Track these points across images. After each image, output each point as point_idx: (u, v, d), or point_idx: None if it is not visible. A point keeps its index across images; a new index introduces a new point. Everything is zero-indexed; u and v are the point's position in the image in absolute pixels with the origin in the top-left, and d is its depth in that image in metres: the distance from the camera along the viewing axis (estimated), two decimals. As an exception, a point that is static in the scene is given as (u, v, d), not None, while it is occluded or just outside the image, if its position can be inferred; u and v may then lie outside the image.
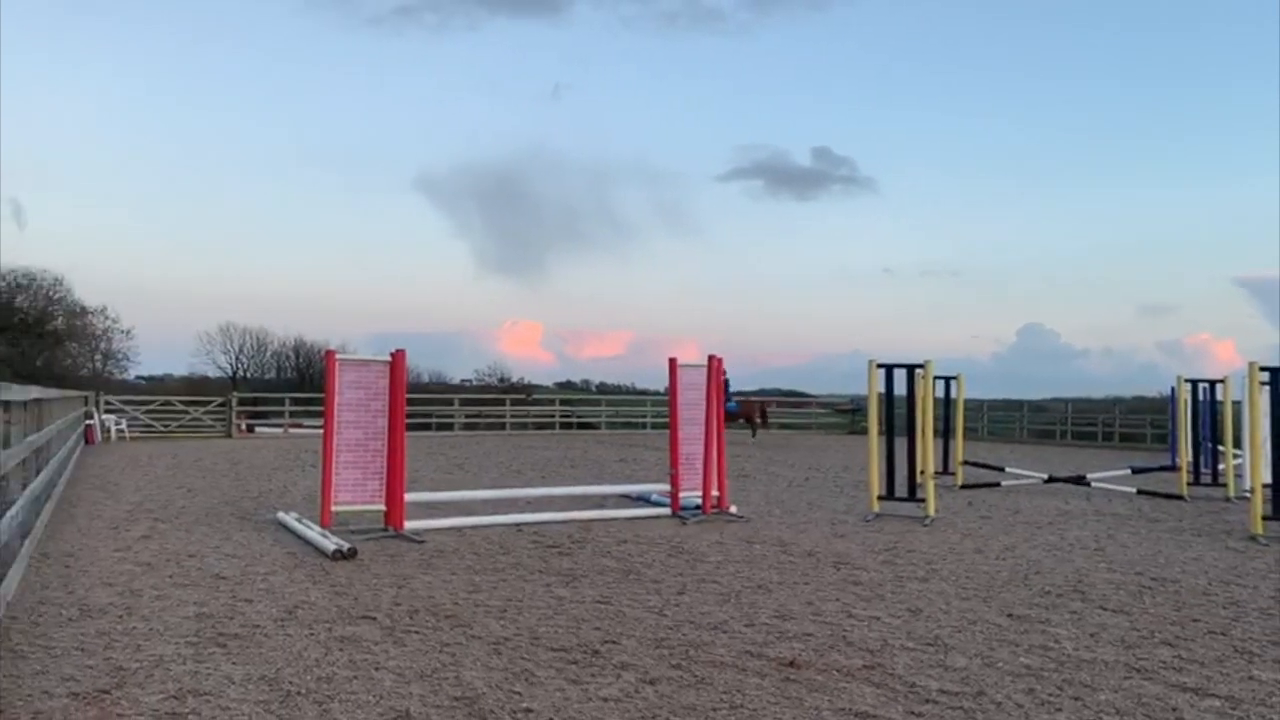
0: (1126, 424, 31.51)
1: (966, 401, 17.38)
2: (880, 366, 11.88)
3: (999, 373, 71.77)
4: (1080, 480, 15.20)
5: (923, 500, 11.41)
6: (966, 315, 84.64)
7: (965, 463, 15.71)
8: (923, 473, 11.61)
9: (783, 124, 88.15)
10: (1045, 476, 15.48)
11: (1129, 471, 16.60)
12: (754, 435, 28.93)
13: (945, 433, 16.37)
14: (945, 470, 15.67)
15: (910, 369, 11.81)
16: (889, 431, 12.37)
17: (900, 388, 11.88)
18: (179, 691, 4.64)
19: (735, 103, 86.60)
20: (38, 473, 9.40)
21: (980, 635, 5.95)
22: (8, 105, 73.37)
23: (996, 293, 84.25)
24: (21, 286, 49.10)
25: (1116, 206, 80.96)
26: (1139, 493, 14.23)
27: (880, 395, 12.01)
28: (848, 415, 37.27)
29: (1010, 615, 6.50)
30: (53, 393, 12.60)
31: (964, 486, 14.96)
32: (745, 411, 28.96)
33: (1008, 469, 16.29)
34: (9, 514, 6.49)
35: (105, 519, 10.58)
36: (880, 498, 11.68)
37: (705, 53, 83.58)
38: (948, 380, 16.01)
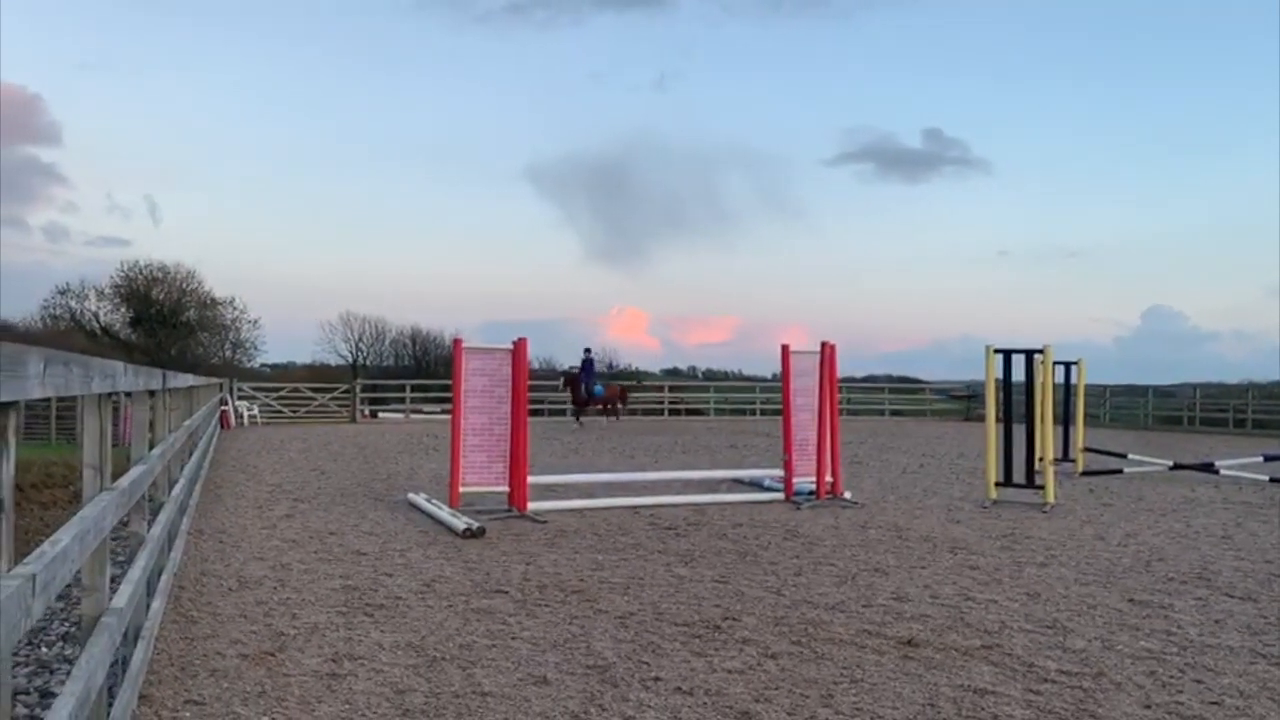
0: (1261, 410, 30.18)
1: (1087, 387, 16.99)
2: (998, 352, 11.78)
3: (1121, 357, 69.17)
4: (1208, 468, 14.73)
5: (1042, 487, 11.29)
6: (1086, 298, 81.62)
7: (1086, 449, 15.39)
8: (1042, 459, 11.48)
9: (891, 107, 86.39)
10: (1170, 464, 15.06)
11: (1262, 459, 15.98)
12: (607, 420, 28.65)
13: (1065, 419, 16.05)
14: (1065, 457, 15.38)
15: (1029, 354, 11.68)
16: (1007, 418, 12.23)
17: (1019, 373, 11.77)
18: (335, 655, 5.05)
19: (842, 87, 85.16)
20: (189, 455, 10.09)
21: (1100, 619, 5.97)
22: (142, 108, 77.21)
23: (1117, 274, 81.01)
24: (157, 280, 51.87)
25: (1246, 183, 76.99)
26: (1272, 480, 13.73)
27: (998, 381, 11.90)
28: (963, 401, 36.61)
29: (1131, 600, 6.49)
30: (199, 380, 13.43)
31: (1085, 473, 14.67)
32: (610, 395, 28.48)
33: (1131, 456, 15.89)
34: (174, 492, 7.06)
35: (249, 499, 11.28)
36: (998, 484, 11.60)
37: (809, 37, 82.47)
38: (1068, 365, 15.70)
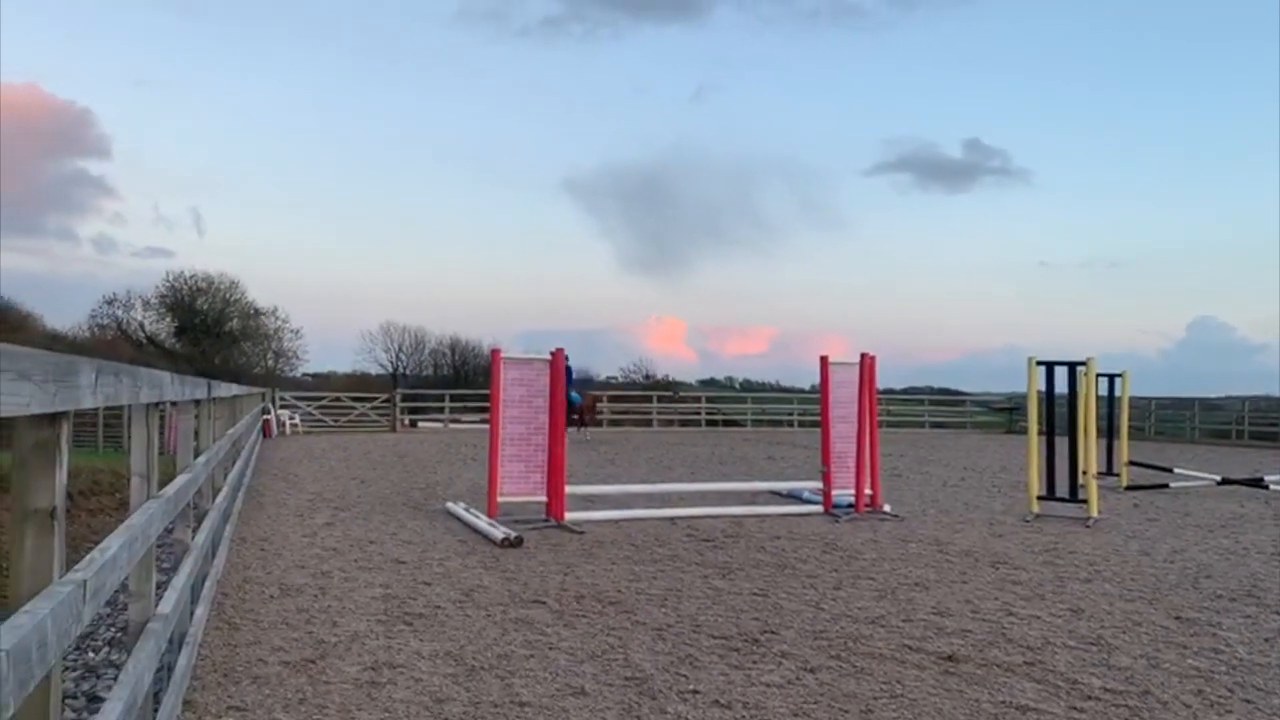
0: (1312, 424, 29.52)
1: (1132, 399, 16.72)
2: (1040, 364, 11.65)
3: (1167, 369, 68.04)
4: (1258, 483, 14.46)
5: (1085, 501, 11.13)
6: (1129, 309, 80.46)
7: (1131, 463, 15.16)
8: (1085, 473, 11.32)
9: (931, 117, 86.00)
10: (1218, 478, 14.79)
11: (1313, 474, 15.66)
12: (578, 431, 25.74)
13: (1109, 432, 15.81)
14: (1109, 471, 15.15)
15: (1072, 366, 11.54)
16: (1049, 431, 12.07)
17: (1061, 385, 11.62)
18: (375, 663, 5.08)
19: (880, 97, 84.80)
20: (233, 463, 10.22)
21: (1146, 636, 5.87)
22: (188, 122, 78.53)
23: (1162, 285, 79.76)
24: (201, 290, 52.67)
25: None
26: (1323, 497, 13.44)
27: (1040, 393, 11.76)
28: (1005, 414, 36.16)
29: (1178, 618, 6.37)
30: (243, 389, 13.60)
31: (1129, 488, 14.45)
32: (586, 404, 26.93)
33: (1177, 470, 15.62)
34: (217, 500, 7.16)
35: (290, 507, 11.39)
36: (1040, 498, 11.44)
37: (847, 49, 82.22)
38: (1112, 378, 15.48)
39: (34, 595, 1.87)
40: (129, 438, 3.60)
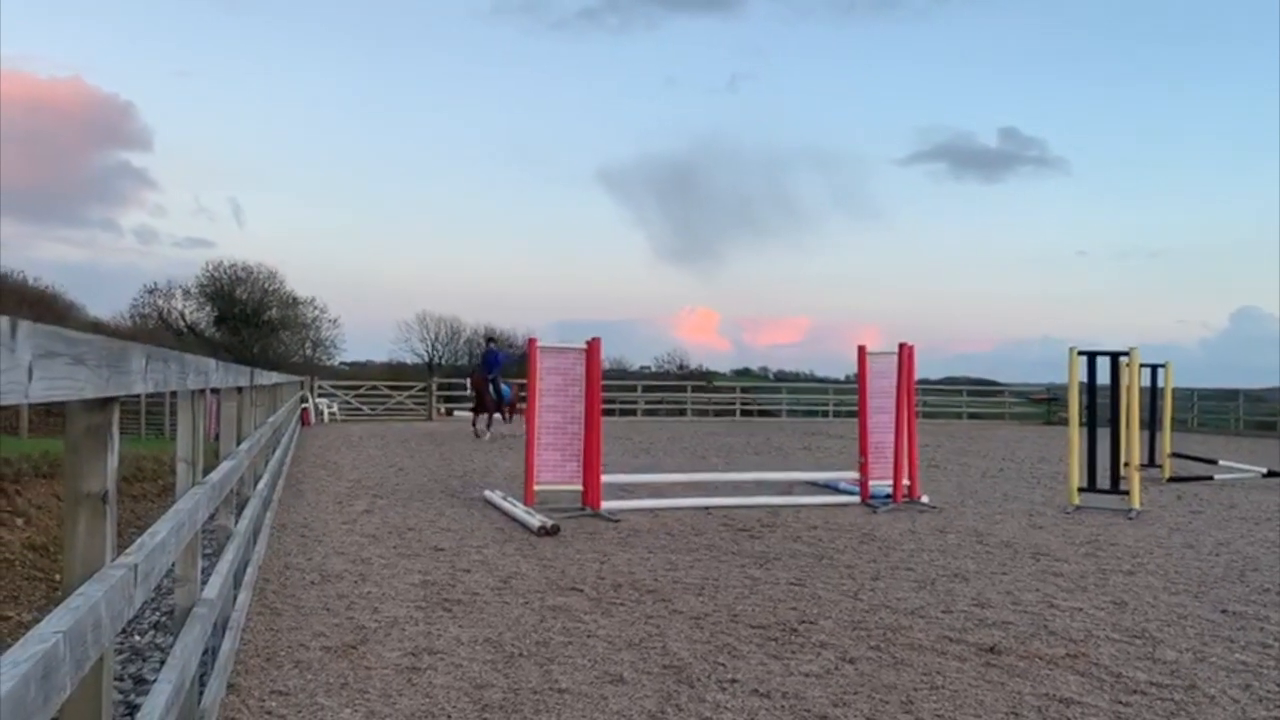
0: (1359, 416, 28.93)
1: (1174, 391, 16.47)
2: (1082, 354, 11.49)
3: (1208, 360, 66.86)
4: (1304, 475, 14.19)
5: (1126, 493, 10.98)
6: (1169, 299, 79.14)
7: (1174, 455, 14.93)
8: (1127, 464, 11.16)
9: (966, 106, 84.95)
10: (1264, 470, 14.53)
11: (1361, 467, 15.34)
12: (508, 420, 21.95)
13: (1151, 423, 15.57)
14: (1151, 463, 14.92)
15: (1114, 356, 11.37)
16: (1090, 422, 11.90)
17: (1102, 376, 11.46)
18: (415, 649, 5.12)
19: (915, 87, 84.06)
20: (273, 450, 10.33)
21: (1191, 630, 5.78)
22: (228, 114, 79.39)
23: (1204, 275, 78.36)
24: (241, 280, 53.27)
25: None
26: (1373, 490, 13.17)
27: (1081, 384, 11.60)
28: (1043, 405, 35.74)
29: (1224, 611, 6.27)
30: (283, 378, 13.75)
31: (1172, 480, 14.23)
32: (514, 397, 22.12)
33: (1221, 462, 15.37)
34: (258, 487, 7.23)
35: (330, 494, 11.50)
36: (1080, 490, 11.29)
37: (883, 39, 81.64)
38: (1154, 368, 15.25)
39: (86, 578, 1.89)
40: (172, 425, 3.64)
